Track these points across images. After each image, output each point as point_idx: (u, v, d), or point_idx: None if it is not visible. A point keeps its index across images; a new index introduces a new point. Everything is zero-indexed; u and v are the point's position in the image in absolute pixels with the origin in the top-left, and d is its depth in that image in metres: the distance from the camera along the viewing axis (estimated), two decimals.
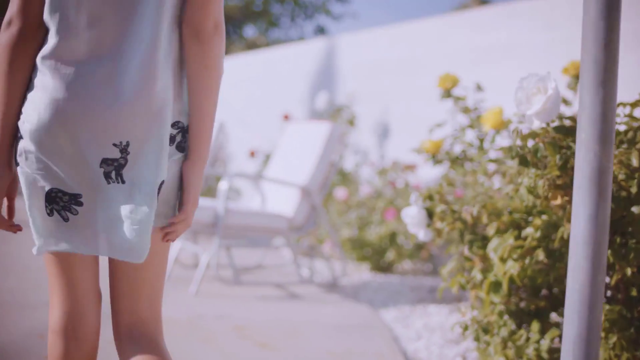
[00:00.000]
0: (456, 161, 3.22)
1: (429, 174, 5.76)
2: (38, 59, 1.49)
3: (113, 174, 1.49)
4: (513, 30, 5.48)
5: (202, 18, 1.49)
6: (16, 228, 1.57)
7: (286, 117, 7.15)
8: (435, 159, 3.23)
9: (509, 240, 2.37)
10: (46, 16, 1.48)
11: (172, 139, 1.53)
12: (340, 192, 5.59)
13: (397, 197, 5.47)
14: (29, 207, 1.52)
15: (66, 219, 1.51)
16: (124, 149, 1.48)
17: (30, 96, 1.49)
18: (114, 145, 1.47)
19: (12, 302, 3.96)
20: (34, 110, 1.47)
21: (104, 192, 1.49)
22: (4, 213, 1.59)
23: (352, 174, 6.35)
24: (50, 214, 1.50)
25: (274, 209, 4.85)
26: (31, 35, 1.49)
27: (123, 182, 1.49)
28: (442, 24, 6.19)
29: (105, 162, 1.48)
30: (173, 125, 1.52)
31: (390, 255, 5.43)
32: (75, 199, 1.50)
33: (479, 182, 3.13)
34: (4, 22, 1.50)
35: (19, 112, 1.50)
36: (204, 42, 1.50)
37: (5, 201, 1.58)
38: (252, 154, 7.27)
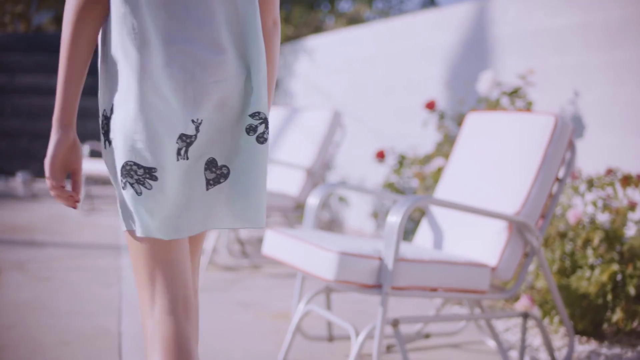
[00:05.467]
0: None
1: None
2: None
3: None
4: None
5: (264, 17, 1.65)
6: (76, 200, 1.56)
7: (430, 106, 5.27)
8: None
9: None
10: None
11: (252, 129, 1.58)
12: None
13: None
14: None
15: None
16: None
17: None
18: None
19: None
20: None
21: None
22: (69, 188, 1.57)
23: None
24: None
25: (462, 253, 2.98)
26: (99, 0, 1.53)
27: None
28: None
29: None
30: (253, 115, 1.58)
31: (617, 313, 3.54)
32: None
33: None
34: None
35: (85, 78, 1.55)
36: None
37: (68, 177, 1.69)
38: (381, 156, 5.40)
